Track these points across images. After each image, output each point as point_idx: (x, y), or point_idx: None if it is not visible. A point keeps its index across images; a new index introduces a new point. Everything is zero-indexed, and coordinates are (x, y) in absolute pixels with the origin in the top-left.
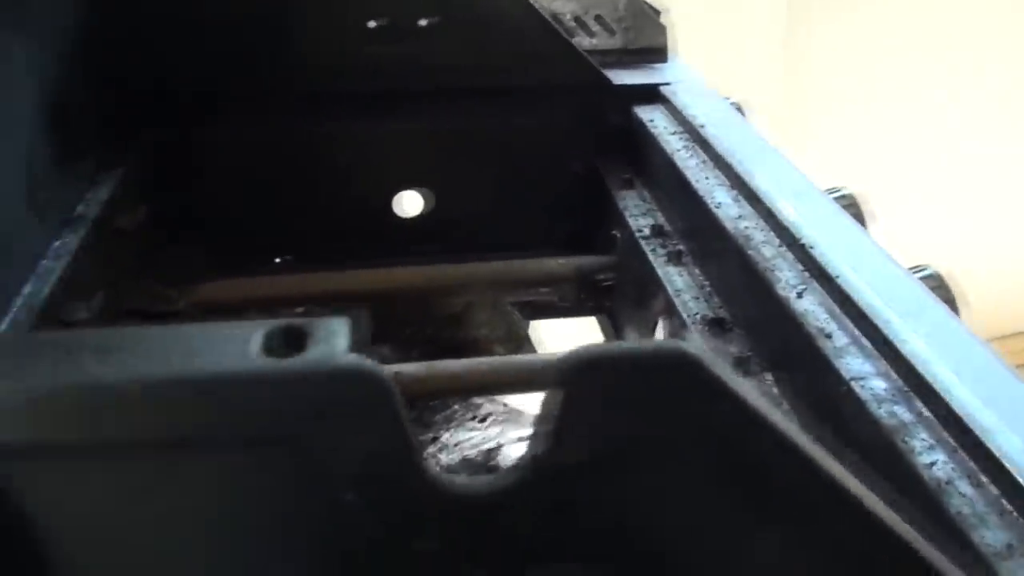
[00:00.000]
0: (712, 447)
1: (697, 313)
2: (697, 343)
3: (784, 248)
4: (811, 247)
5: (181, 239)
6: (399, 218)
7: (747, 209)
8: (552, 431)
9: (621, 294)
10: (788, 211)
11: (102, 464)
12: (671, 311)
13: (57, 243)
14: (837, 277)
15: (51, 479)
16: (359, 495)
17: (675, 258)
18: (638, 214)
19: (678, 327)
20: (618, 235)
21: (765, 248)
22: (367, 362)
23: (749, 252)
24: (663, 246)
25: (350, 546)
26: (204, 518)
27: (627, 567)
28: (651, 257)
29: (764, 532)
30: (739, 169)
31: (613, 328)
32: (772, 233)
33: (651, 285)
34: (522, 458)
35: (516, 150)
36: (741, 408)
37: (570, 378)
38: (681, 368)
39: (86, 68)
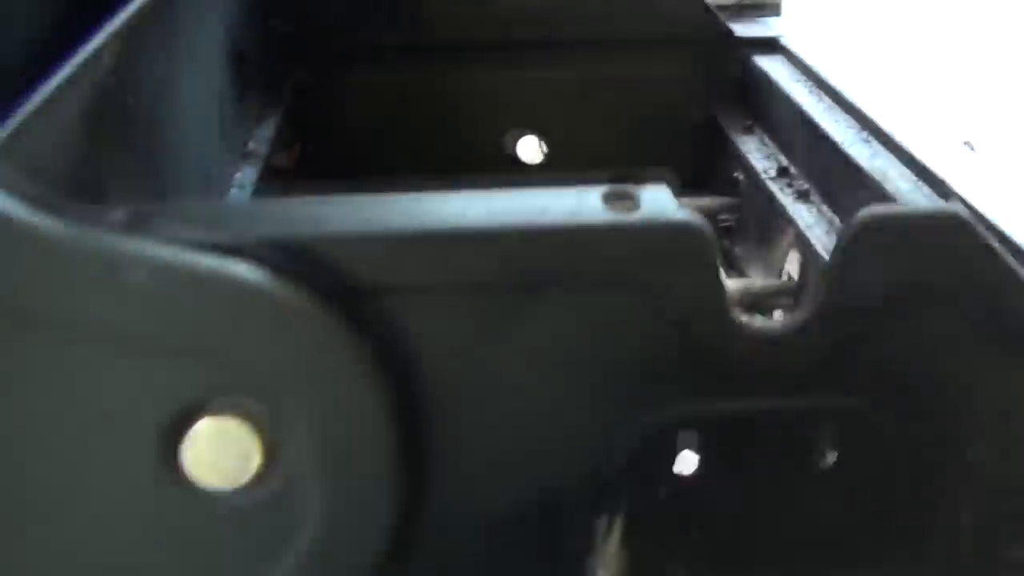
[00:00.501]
0: (975, 298)
1: (828, 247)
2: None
3: (921, 183)
4: (946, 181)
5: (323, 177)
6: (520, 163)
7: (878, 148)
8: (836, 278)
9: (742, 234)
10: (920, 149)
11: (465, 302)
12: (803, 244)
13: (238, 175)
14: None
15: (417, 316)
16: (679, 334)
17: (803, 196)
18: (761, 157)
19: (809, 261)
20: (741, 177)
21: (901, 182)
22: (696, 217)
23: (886, 187)
24: (789, 185)
25: (661, 383)
26: (550, 357)
27: (888, 399)
28: (779, 196)
29: (1010, 374)
30: (867, 112)
31: (730, 268)
32: (907, 169)
33: (778, 221)
34: (810, 301)
35: (636, 99)
36: (1003, 266)
37: (856, 233)
38: (955, 228)
39: (254, 16)
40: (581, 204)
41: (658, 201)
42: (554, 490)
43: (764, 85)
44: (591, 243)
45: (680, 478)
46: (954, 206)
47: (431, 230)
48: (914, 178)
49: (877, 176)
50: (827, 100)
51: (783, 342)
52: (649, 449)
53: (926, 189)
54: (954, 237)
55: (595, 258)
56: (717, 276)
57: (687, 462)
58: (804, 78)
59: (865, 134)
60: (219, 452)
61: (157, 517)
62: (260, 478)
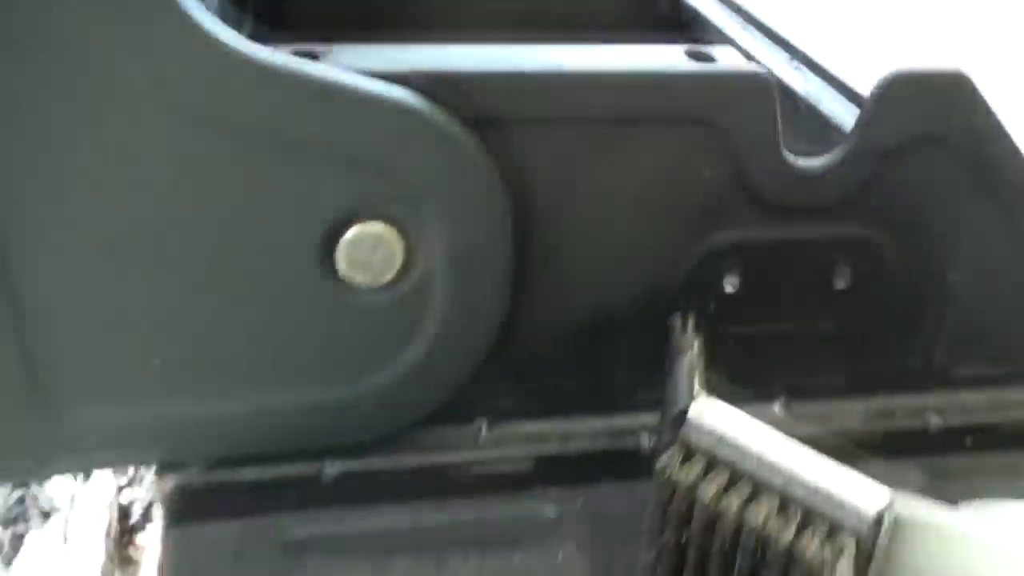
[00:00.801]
0: (970, 146)
1: None
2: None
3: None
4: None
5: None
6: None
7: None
8: (865, 123)
9: None
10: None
11: (574, 133)
12: None
13: None
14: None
15: (534, 144)
16: (738, 169)
17: None
18: None
19: None
20: None
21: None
22: (762, 69)
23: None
24: None
25: (718, 212)
26: (635, 185)
27: (895, 231)
28: None
29: (989, 211)
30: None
31: None
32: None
33: None
34: (843, 145)
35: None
36: (994, 120)
37: (887, 87)
38: (962, 85)
39: None
40: (670, 57)
41: (731, 57)
42: (628, 297)
43: (697, 20)
44: (680, 88)
45: (725, 294)
46: (960, 70)
47: (553, 72)
48: (845, 100)
49: (812, 101)
50: (758, 33)
51: (819, 179)
52: (704, 267)
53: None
54: (961, 93)
55: (681, 101)
56: (776, 119)
57: (730, 281)
58: (734, 14)
59: (796, 63)
60: (368, 253)
61: (313, 309)
62: (400, 276)
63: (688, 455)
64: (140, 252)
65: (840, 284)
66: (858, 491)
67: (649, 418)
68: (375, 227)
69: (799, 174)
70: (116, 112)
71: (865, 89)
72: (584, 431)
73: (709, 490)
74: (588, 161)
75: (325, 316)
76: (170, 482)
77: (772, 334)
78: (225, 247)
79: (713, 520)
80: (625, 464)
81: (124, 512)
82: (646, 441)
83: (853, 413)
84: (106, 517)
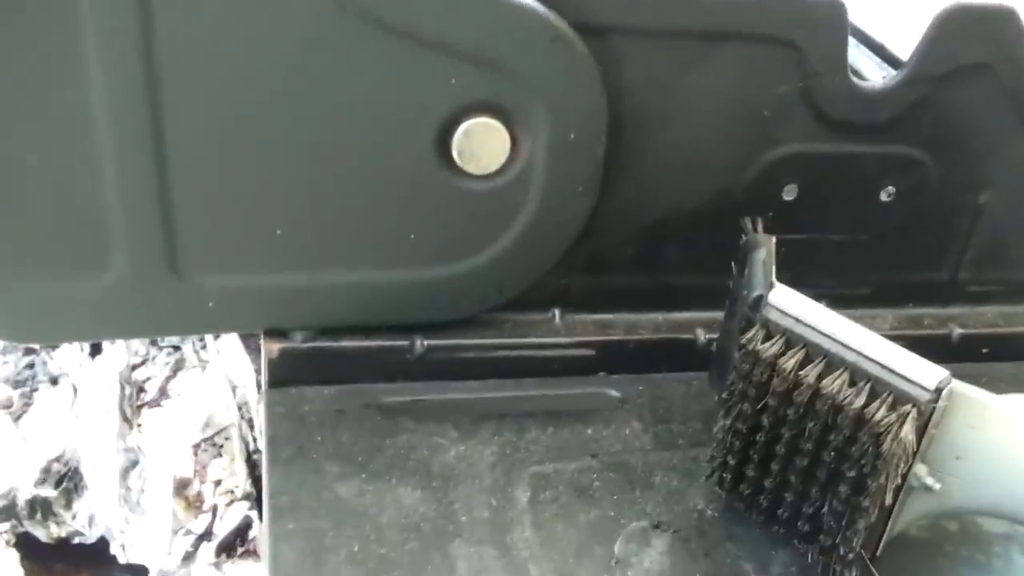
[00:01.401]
0: (1012, 74)
1: None
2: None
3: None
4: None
5: None
6: None
7: None
8: (923, 50)
9: None
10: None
11: (666, 44)
12: None
13: None
14: None
15: (630, 52)
16: (808, 86)
17: None
18: None
19: None
20: None
21: None
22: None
23: None
24: None
25: (785, 125)
26: (716, 95)
27: (938, 150)
28: None
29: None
30: None
31: None
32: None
33: None
34: (902, 69)
35: None
36: None
37: (943, 18)
38: (1011, 17)
39: None
40: None
41: None
42: (698, 201)
43: None
44: (766, 8)
45: (783, 201)
46: (1011, 5)
47: None
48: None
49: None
50: None
51: (877, 99)
52: (766, 176)
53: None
54: (1009, 26)
55: (766, 20)
56: (847, 43)
57: (789, 190)
58: None
59: None
60: (479, 144)
61: (424, 194)
62: (504, 167)
63: (768, 335)
64: (273, 130)
65: (884, 197)
66: (920, 368)
67: (704, 316)
68: (487, 120)
69: (861, 94)
70: None
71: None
72: (646, 324)
73: (789, 363)
74: (676, 72)
75: (434, 201)
76: (275, 347)
77: (819, 242)
78: (350, 131)
79: (791, 389)
80: (681, 355)
81: (139, 388)
82: (701, 336)
83: (883, 320)
84: (117, 389)
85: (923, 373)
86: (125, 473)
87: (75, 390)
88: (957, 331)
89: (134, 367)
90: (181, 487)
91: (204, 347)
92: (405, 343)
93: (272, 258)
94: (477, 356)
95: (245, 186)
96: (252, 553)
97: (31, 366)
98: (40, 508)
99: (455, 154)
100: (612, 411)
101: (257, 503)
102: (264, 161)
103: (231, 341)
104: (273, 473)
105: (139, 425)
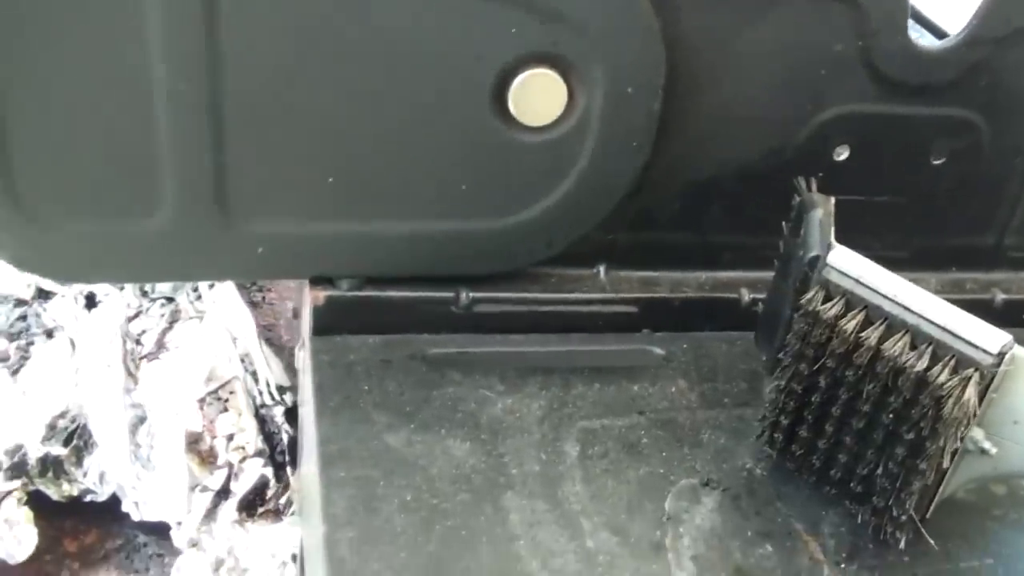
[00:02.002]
0: None
1: None
2: None
3: None
4: None
5: None
6: None
7: None
8: (984, 12)
9: None
10: None
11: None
12: None
13: None
14: None
15: (688, 6)
16: (867, 45)
17: None
18: None
19: None
20: None
21: None
22: None
23: None
24: None
25: (841, 84)
26: (776, 52)
27: (991, 113)
28: None
29: None
30: None
31: None
32: None
33: None
34: (962, 31)
35: None
36: None
37: None
38: None
39: None
40: None
41: None
42: (749, 160)
43: None
44: None
45: (834, 162)
46: None
47: None
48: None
49: None
50: None
51: (935, 61)
52: (819, 136)
53: None
54: None
55: None
56: (907, 1)
57: (841, 150)
58: None
59: None
60: (536, 96)
61: (479, 145)
62: (560, 119)
63: (827, 297)
64: (329, 77)
65: (935, 160)
66: (982, 331)
67: (749, 275)
68: (545, 71)
69: (918, 55)
70: None
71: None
72: (690, 282)
73: (849, 325)
74: (734, 27)
75: (488, 152)
76: (321, 295)
77: (866, 203)
78: (407, 80)
79: (851, 351)
80: (725, 314)
81: (136, 340)
82: (746, 295)
83: (926, 284)
84: (117, 341)
85: (986, 337)
86: (134, 429)
87: (72, 343)
88: (1000, 296)
89: (129, 319)
90: (192, 442)
91: (199, 298)
92: (451, 295)
93: (322, 205)
94: (522, 310)
95: (299, 132)
96: (273, 513)
97: (23, 318)
98: (51, 466)
99: (511, 105)
100: (657, 368)
101: (271, 460)
102: (319, 108)
103: (228, 291)
104: (322, 421)
105: (143, 381)
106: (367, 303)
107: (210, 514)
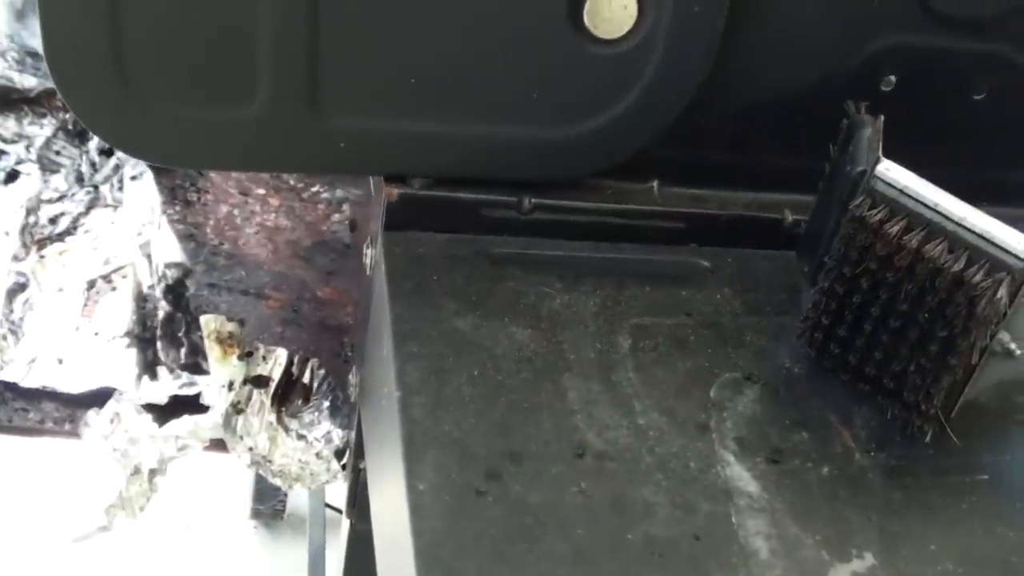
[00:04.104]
0: None
1: None
2: None
3: None
4: None
5: None
6: None
7: None
8: None
9: None
10: None
11: None
12: None
13: None
14: None
15: None
16: None
17: None
18: None
19: None
20: None
21: None
22: None
23: None
24: None
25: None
26: None
27: None
28: None
29: None
30: None
31: None
32: None
33: None
34: None
35: None
36: None
37: None
38: None
39: None
40: None
41: None
42: (801, 86)
43: None
44: None
45: (881, 92)
46: None
47: None
48: None
49: None
50: None
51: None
52: (868, 66)
53: None
54: None
55: None
56: None
57: (887, 81)
58: None
59: None
60: (609, 8)
61: (554, 54)
62: (630, 33)
63: (872, 204)
64: None
65: (976, 95)
66: (1016, 238)
67: (793, 198)
68: None
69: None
70: None
71: None
72: (737, 201)
73: (893, 229)
74: None
75: (560, 61)
76: (395, 192)
77: (908, 136)
78: None
79: (892, 254)
80: (768, 233)
81: (51, 219)
82: (789, 216)
83: None
84: (22, 214)
85: (1018, 243)
86: (11, 295)
87: None
88: None
89: (50, 200)
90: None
91: (120, 188)
92: (514, 199)
93: (403, 105)
94: (580, 219)
95: (386, 31)
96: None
97: None
98: None
99: (585, 16)
100: (703, 278)
101: (138, 341)
102: (407, 7)
103: (147, 183)
104: (395, 304)
105: (42, 256)
106: (437, 202)
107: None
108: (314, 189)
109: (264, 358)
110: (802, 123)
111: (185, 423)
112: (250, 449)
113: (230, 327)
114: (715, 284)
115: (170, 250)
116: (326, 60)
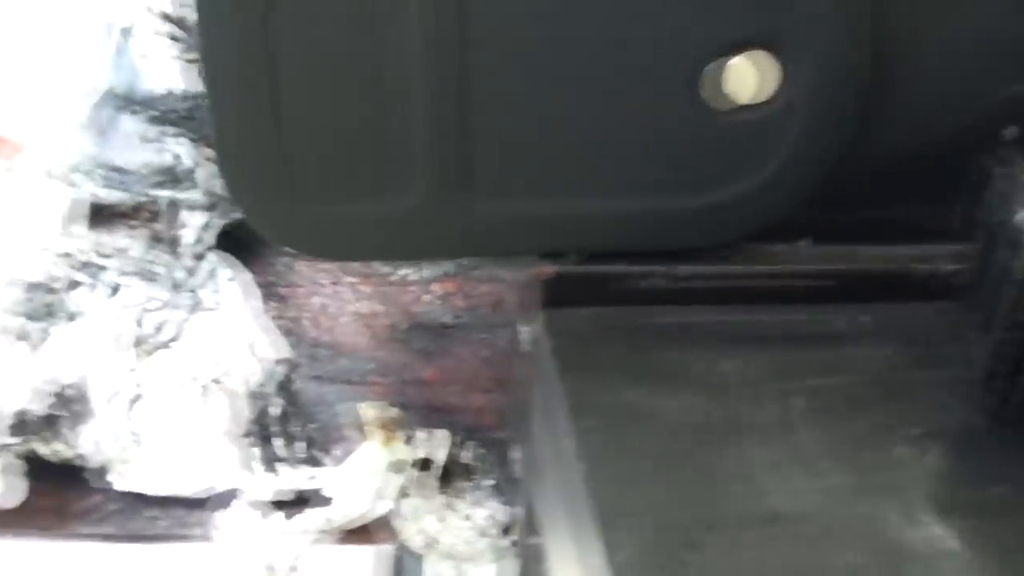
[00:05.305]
0: None
1: None
2: None
3: None
4: None
5: None
6: None
7: None
8: None
9: None
10: None
11: None
12: None
13: None
14: None
15: None
16: None
17: None
18: None
19: None
20: None
21: None
22: None
23: None
24: None
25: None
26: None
27: None
28: None
29: None
30: None
31: None
32: None
33: None
34: None
35: None
36: None
37: None
38: None
39: None
40: None
41: None
42: (940, 137)
43: None
44: None
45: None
46: None
47: None
48: None
49: None
50: None
51: None
52: (995, 114)
53: None
54: None
55: None
56: None
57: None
58: None
59: None
60: (746, 76)
61: (688, 126)
62: (769, 99)
63: None
64: (558, 63)
65: None
66: None
67: (943, 248)
68: (755, 52)
69: None
70: None
71: None
72: (887, 256)
73: None
74: (939, 11)
75: (695, 133)
76: (550, 270)
77: None
78: (624, 67)
79: None
80: (924, 285)
81: (157, 328)
82: (944, 266)
83: None
84: (131, 324)
85: None
86: (130, 406)
87: (90, 326)
88: None
89: (153, 309)
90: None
91: (219, 290)
92: (664, 268)
93: (552, 185)
94: (732, 284)
95: (534, 116)
96: None
97: (49, 304)
98: (51, 427)
99: (721, 85)
100: (866, 335)
101: (256, 439)
102: (551, 94)
103: (246, 284)
104: (565, 379)
105: (152, 364)
106: (591, 277)
107: None
108: (402, 272)
109: (426, 440)
110: (938, 172)
111: (314, 516)
112: (420, 532)
113: (392, 412)
114: (879, 340)
115: (276, 347)
116: (480, 148)
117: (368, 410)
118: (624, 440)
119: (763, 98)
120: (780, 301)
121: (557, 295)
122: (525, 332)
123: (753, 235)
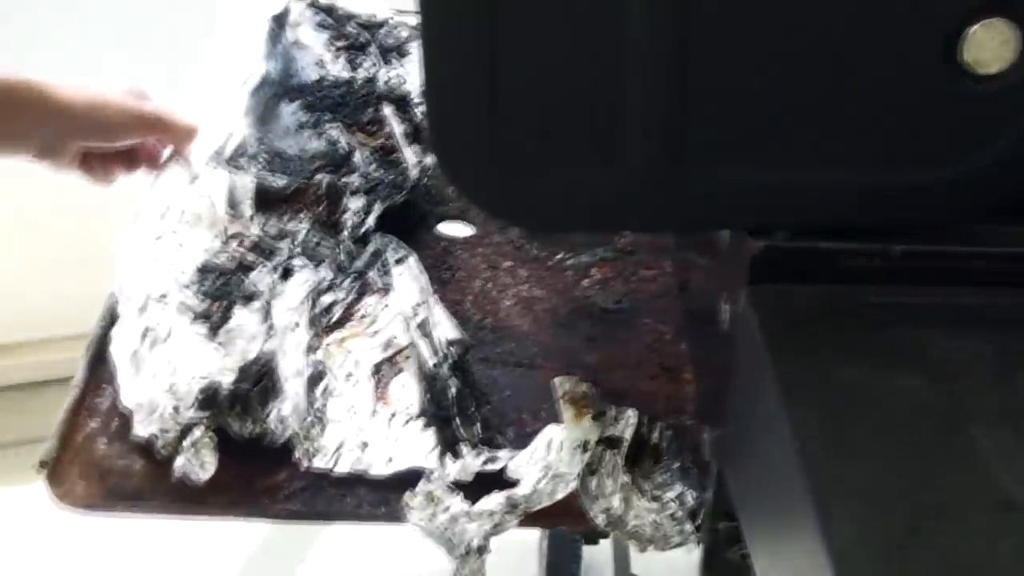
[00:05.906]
0: None
1: None
2: None
3: None
4: None
5: None
6: None
7: None
8: None
9: None
10: None
11: None
12: None
13: None
14: None
15: None
16: None
17: None
18: None
19: None
20: None
21: None
22: None
23: None
24: None
25: None
26: None
27: None
28: None
29: None
30: None
31: None
32: None
33: None
34: None
35: None
36: None
37: None
38: None
39: None
40: None
41: None
42: None
43: None
44: None
45: None
46: None
47: None
48: None
49: None
50: None
51: None
52: None
53: None
54: None
55: None
56: None
57: None
58: None
59: None
60: (987, 44)
61: (927, 94)
62: (1011, 68)
63: None
64: (785, 26)
65: None
66: None
67: None
68: (996, 20)
69: None
70: None
71: None
72: None
73: None
74: None
75: (935, 102)
76: (758, 245)
77: None
78: (862, 33)
79: None
80: None
81: (325, 310)
82: None
83: None
84: (307, 304)
85: None
86: (312, 385)
87: (268, 306)
88: None
89: (323, 291)
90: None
91: (387, 273)
92: (880, 247)
93: (771, 156)
94: (951, 264)
95: (755, 83)
96: None
97: (226, 284)
98: (240, 402)
99: (961, 55)
100: None
101: (434, 420)
102: (775, 59)
103: (412, 266)
104: (776, 356)
105: (327, 345)
106: (799, 253)
107: None
108: (558, 257)
109: (616, 419)
110: None
111: (497, 499)
112: (606, 510)
113: (583, 387)
114: None
115: (448, 328)
116: (695, 117)
117: (563, 383)
118: (840, 420)
119: (1001, 68)
120: (1004, 284)
121: (763, 272)
122: (725, 311)
123: (980, 215)
